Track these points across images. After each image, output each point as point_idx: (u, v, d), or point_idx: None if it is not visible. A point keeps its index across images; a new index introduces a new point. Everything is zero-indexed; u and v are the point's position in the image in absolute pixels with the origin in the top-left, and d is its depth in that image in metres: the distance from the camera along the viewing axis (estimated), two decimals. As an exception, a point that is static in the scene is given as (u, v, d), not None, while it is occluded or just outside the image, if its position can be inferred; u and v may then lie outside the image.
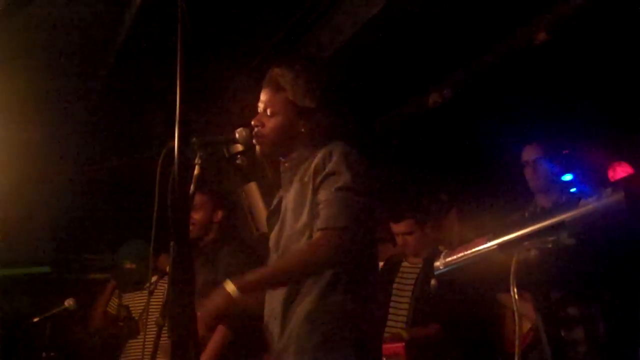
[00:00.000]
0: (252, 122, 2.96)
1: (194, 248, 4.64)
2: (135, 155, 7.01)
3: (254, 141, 2.94)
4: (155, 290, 5.52)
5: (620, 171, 5.04)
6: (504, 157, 5.83)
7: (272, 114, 2.94)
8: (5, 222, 6.38)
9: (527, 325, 4.64)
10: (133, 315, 5.51)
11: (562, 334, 4.54)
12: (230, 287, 2.62)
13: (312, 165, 2.81)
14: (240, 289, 2.62)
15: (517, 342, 1.65)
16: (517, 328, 1.66)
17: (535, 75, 5.39)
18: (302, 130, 2.94)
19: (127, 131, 6.83)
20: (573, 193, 4.47)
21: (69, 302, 5.36)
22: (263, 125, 2.94)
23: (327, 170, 2.75)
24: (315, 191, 2.77)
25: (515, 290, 1.71)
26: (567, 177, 5.32)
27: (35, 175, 6.64)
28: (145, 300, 5.57)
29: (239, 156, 3.10)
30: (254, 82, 5.84)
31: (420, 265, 5.16)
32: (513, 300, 1.70)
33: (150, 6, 4.83)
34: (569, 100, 5.53)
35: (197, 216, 4.61)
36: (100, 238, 7.41)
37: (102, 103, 6.35)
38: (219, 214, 4.74)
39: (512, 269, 1.73)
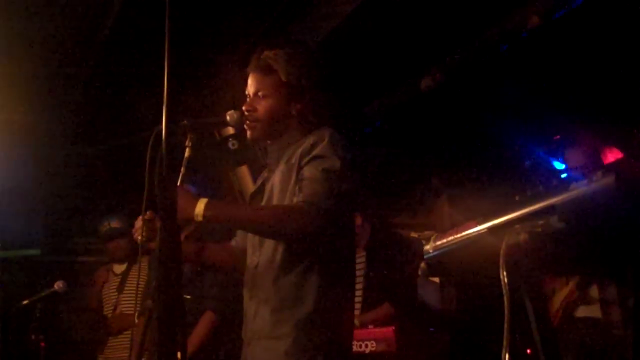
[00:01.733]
0: (243, 108, 2.92)
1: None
2: (126, 138, 7.00)
3: (245, 126, 2.90)
4: (129, 277, 5.55)
5: (611, 157, 5.04)
6: (496, 141, 5.84)
7: (264, 97, 2.91)
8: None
9: (558, 301, 4.69)
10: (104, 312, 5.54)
11: (601, 316, 4.58)
12: (199, 209, 2.60)
13: (300, 149, 2.81)
14: (207, 217, 2.60)
15: (505, 326, 1.64)
16: (506, 312, 1.66)
17: (528, 60, 5.38)
18: (294, 112, 2.92)
19: (118, 114, 6.80)
20: (564, 178, 4.47)
21: (58, 285, 5.35)
22: (255, 110, 2.91)
23: (314, 152, 2.74)
24: (299, 170, 2.76)
25: (505, 273, 1.71)
26: (559, 162, 5.33)
27: (25, 157, 6.62)
28: (116, 297, 5.57)
29: (230, 139, 3.09)
30: (245, 65, 5.82)
31: (364, 255, 5.25)
32: (502, 283, 1.69)
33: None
34: (561, 86, 5.52)
35: None
36: (90, 221, 7.38)
37: (93, 85, 6.32)
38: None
39: (502, 252, 1.72)
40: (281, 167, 2.88)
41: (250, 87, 2.97)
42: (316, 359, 2.62)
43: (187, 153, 2.83)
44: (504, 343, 1.65)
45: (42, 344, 5.31)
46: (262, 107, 2.91)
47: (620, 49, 5.06)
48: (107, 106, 6.71)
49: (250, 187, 5.51)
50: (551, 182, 1.71)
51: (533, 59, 5.34)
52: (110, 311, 5.50)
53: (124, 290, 5.53)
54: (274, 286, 2.75)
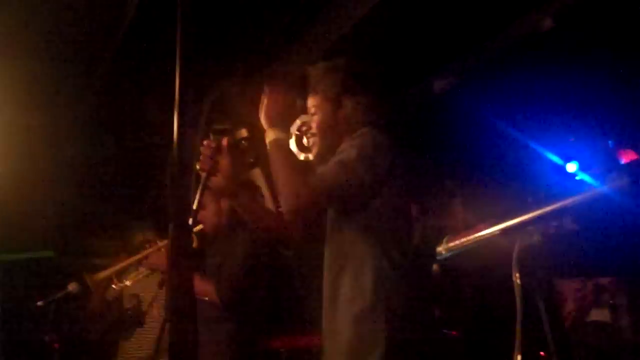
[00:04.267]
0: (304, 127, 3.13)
1: (209, 238, 4.67)
2: (139, 141, 7.02)
3: (310, 147, 3.11)
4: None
5: (627, 159, 5.03)
6: (510, 143, 5.82)
7: (314, 114, 3.10)
8: (9, 207, 6.38)
9: (572, 303, 4.69)
10: (141, 306, 5.49)
11: (610, 319, 4.58)
12: (272, 136, 2.89)
13: None
14: (270, 146, 2.88)
15: (517, 327, 1.63)
16: (518, 313, 1.65)
17: (541, 62, 5.37)
18: (342, 122, 3.05)
19: (130, 117, 6.82)
20: (578, 180, 4.47)
21: (72, 287, 5.34)
22: (310, 127, 3.11)
23: (340, 149, 2.89)
24: None
25: (518, 275, 1.70)
26: (573, 165, 5.30)
27: (38, 160, 6.64)
28: (155, 291, 5.53)
29: (243, 142, 3.14)
30: (257, 70, 5.82)
31: None
32: (515, 285, 1.69)
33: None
34: (576, 87, 5.51)
35: (204, 213, 4.60)
36: (104, 223, 7.40)
37: (105, 88, 6.34)
38: (225, 201, 4.72)
39: (515, 255, 1.72)
40: None
41: (308, 106, 3.15)
42: (377, 341, 2.66)
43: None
44: (516, 344, 1.64)
45: (56, 346, 5.31)
46: (314, 123, 3.10)
47: (636, 49, 5.04)
48: (121, 108, 6.73)
49: (264, 189, 5.49)
50: (564, 184, 1.70)
51: (547, 61, 5.33)
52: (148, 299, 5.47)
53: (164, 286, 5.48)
54: (332, 285, 2.86)
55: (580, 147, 5.24)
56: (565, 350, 1.82)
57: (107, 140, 7.18)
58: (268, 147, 2.90)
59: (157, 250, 4.90)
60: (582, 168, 5.05)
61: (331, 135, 3.07)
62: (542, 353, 3.56)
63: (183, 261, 1.59)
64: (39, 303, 5.35)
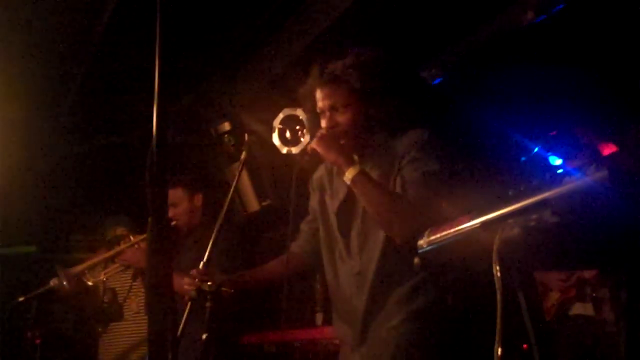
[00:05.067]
0: (325, 126, 2.96)
1: (182, 233, 4.66)
2: (123, 136, 7.00)
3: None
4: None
5: (607, 151, 5.05)
6: (493, 137, 5.83)
7: (342, 107, 2.95)
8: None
9: (554, 297, 4.70)
10: (118, 299, 5.46)
11: (593, 313, 4.60)
12: (351, 173, 2.77)
13: (397, 151, 2.88)
14: (354, 183, 2.77)
15: (498, 320, 1.63)
16: (499, 306, 1.65)
17: (524, 55, 5.38)
18: (375, 114, 2.96)
19: (113, 112, 6.80)
20: (559, 173, 4.48)
21: (54, 282, 5.32)
22: (337, 124, 2.95)
23: (412, 154, 2.82)
24: (398, 172, 2.84)
25: (498, 268, 1.70)
26: (556, 160, 5.32)
27: (21, 155, 6.61)
28: (129, 284, 5.51)
29: (226, 135, 3.14)
30: (233, 70, 5.80)
31: None
32: (495, 278, 1.69)
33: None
34: (557, 81, 5.52)
35: (177, 211, 4.60)
36: (87, 218, 7.38)
37: (89, 83, 6.31)
38: (199, 198, 4.72)
39: (495, 248, 1.72)
40: (376, 171, 2.92)
41: (324, 101, 2.98)
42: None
43: (243, 155, 2.96)
44: (497, 337, 1.65)
45: (38, 341, 5.29)
46: (343, 119, 2.96)
47: (616, 43, 5.06)
48: (103, 104, 6.71)
49: (247, 183, 5.47)
50: (545, 177, 1.70)
51: (528, 54, 5.34)
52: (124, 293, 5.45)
53: (137, 279, 5.46)
54: (384, 294, 2.85)
55: (562, 140, 5.25)
56: (546, 343, 1.82)
57: (91, 136, 7.17)
58: (351, 184, 2.80)
59: (132, 246, 4.88)
60: (564, 161, 5.06)
61: (363, 130, 2.98)
62: (525, 346, 3.58)
63: (162, 255, 1.59)
64: (21, 299, 5.32)
